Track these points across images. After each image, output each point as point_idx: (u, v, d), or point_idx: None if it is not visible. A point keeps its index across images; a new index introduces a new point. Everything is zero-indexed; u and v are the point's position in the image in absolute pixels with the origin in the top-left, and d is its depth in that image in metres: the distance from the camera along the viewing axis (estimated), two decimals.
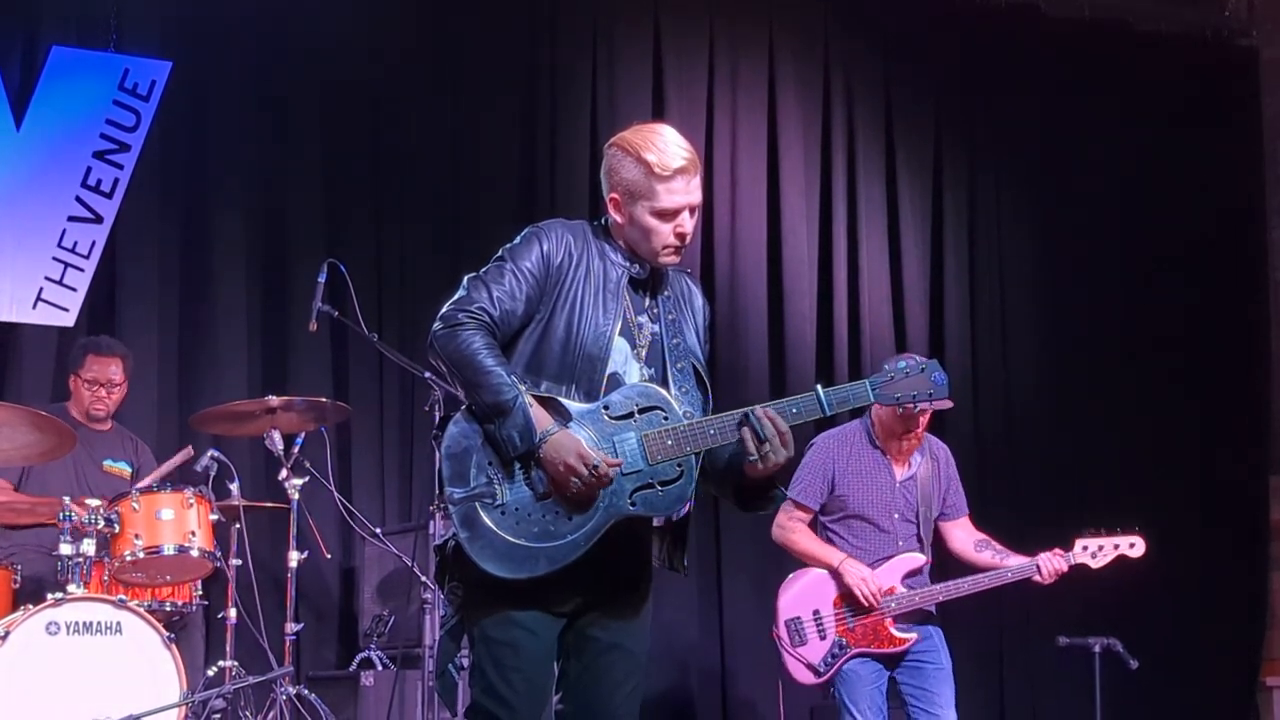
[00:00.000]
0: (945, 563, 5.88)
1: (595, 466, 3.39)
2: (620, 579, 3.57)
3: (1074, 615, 7.28)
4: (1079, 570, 5.75)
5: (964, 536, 5.83)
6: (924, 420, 5.62)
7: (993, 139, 8.89)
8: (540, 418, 3.43)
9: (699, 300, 3.78)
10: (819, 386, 3.53)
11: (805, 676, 5.61)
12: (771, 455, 3.47)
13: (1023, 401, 8.73)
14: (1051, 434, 8.69)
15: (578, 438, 3.43)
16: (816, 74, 8.48)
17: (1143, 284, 9.02)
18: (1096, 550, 5.75)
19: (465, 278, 3.56)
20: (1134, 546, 5.81)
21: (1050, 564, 5.65)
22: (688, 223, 3.59)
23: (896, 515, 5.66)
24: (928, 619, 5.64)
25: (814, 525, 5.75)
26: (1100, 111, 8.96)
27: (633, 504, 3.46)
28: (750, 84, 8.34)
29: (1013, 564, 5.70)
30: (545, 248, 3.57)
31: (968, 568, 5.78)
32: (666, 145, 3.57)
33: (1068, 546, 5.73)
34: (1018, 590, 7.55)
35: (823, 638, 5.58)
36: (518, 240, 3.61)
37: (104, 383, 6.40)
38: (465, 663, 3.72)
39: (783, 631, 5.63)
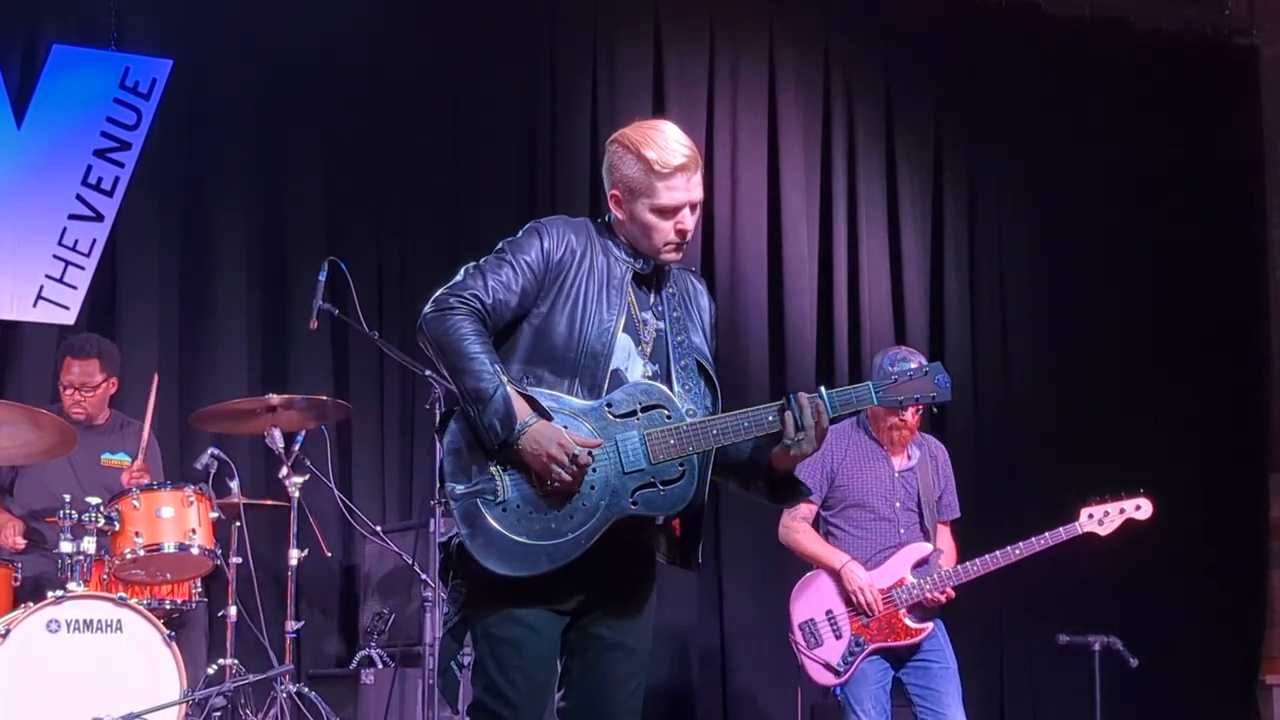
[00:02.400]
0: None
1: (575, 456, 3.38)
2: (623, 577, 3.56)
3: (1074, 613, 7.27)
4: (1089, 539, 5.69)
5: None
6: (910, 408, 5.57)
7: (993, 139, 8.88)
8: (521, 409, 3.39)
9: (704, 299, 3.77)
10: (822, 389, 3.52)
11: (825, 678, 5.59)
12: (804, 444, 3.46)
13: (1022, 401, 8.73)
14: (1051, 433, 8.69)
15: (559, 428, 3.40)
16: (816, 74, 8.48)
17: (1142, 284, 9.02)
18: (1103, 517, 5.70)
19: (464, 266, 3.55)
20: (1140, 509, 5.75)
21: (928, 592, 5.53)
22: (688, 219, 3.57)
23: (898, 503, 5.64)
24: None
25: (815, 522, 5.74)
26: (1100, 111, 8.97)
27: (634, 503, 3.45)
28: (750, 84, 8.34)
29: (914, 580, 5.55)
30: (546, 244, 3.55)
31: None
32: (667, 142, 3.55)
33: (1073, 518, 5.68)
34: (1018, 588, 7.58)
35: (838, 637, 5.56)
36: (519, 234, 3.59)
37: (79, 386, 6.27)
38: (468, 661, 3.71)
39: (798, 636, 5.61)
